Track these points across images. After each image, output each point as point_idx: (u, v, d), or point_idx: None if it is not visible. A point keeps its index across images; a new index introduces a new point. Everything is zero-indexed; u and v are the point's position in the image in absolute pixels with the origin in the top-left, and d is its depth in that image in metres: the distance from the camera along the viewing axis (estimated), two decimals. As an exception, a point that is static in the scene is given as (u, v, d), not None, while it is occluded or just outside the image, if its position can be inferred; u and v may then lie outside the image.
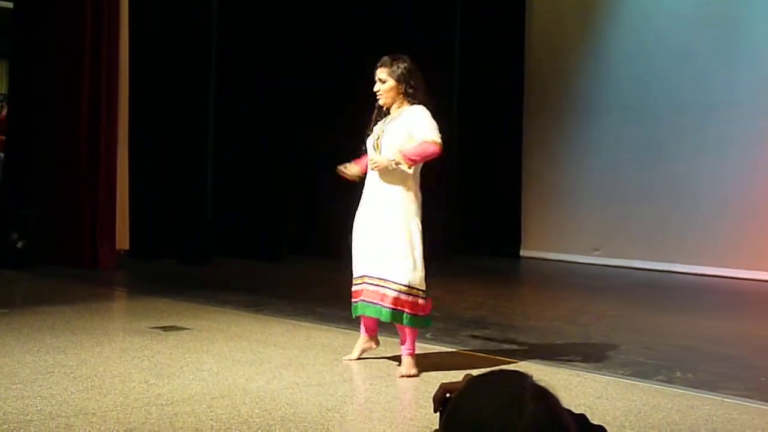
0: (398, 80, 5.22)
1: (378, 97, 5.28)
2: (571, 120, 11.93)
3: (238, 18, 10.85)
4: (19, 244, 9.14)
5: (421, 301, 5.15)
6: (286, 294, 8.06)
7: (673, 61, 11.01)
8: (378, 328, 5.45)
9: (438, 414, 1.67)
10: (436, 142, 5.10)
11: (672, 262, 10.73)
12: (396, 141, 5.15)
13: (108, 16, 9.44)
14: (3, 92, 13.82)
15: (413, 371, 5.15)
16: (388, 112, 5.32)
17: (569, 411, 1.50)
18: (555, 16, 12.27)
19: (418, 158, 5.12)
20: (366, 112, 5.52)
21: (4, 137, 11.03)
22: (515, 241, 12.23)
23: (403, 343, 5.23)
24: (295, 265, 10.50)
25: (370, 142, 5.29)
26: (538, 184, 12.23)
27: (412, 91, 5.23)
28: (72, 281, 8.51)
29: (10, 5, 10.41)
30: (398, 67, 5.22)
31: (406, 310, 5.11)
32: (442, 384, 1.73)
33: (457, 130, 10.66)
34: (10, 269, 8.86)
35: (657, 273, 10.65)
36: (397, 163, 5.09)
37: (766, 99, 10.30)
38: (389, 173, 5.15)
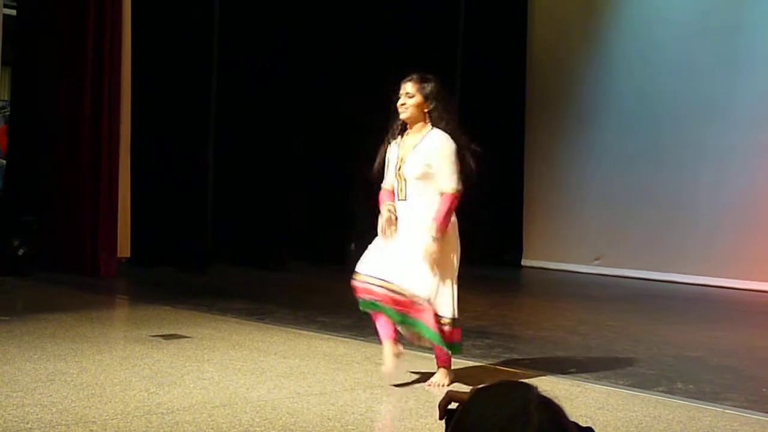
0: (426, 98, 5.08)
1: (402, 111, 5.11)
2: (573, 128, 11.94)
3: (240, 18, 10.88)
4: (21, 251, 9.14)
5: (455, 330, 5.08)
6: (287, 302, 8.05)
7: (673, 70, 11.04)
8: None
9: (443, 422, 1.68)
10: (455, 195, 5.02)
11: (673, 272, 10.73)
12: (417, 171, 5.02)
13: (111, 17, 9.45)
14: (5, 99, 13.83)
15: (446, 381, 5.11)
16: (405, 128, 5.18)
17: (575, 423, 1.50)
18: (557, 24, 12.31)
19: (448, 220, 5.02)
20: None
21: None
22: (517, 250, 12.21)
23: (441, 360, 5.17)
24: (296, 273, 10.49)
25: (392, 167, 5.13)
26: (540, 192, 12.24)
27: (437, 113, 5.10)
28: (73, 289, 8.50)
29: (14, 12, 10.42)
30: (427, 85, 5.09)
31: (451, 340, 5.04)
32: (449, 392, 1.75)
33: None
34: (12, 276, 8.86)
35: (658, 283, 10.64)
36: (436, 238, 4.93)
37: (767, 109, 10.31)
38: (431, 206, 5.02)
